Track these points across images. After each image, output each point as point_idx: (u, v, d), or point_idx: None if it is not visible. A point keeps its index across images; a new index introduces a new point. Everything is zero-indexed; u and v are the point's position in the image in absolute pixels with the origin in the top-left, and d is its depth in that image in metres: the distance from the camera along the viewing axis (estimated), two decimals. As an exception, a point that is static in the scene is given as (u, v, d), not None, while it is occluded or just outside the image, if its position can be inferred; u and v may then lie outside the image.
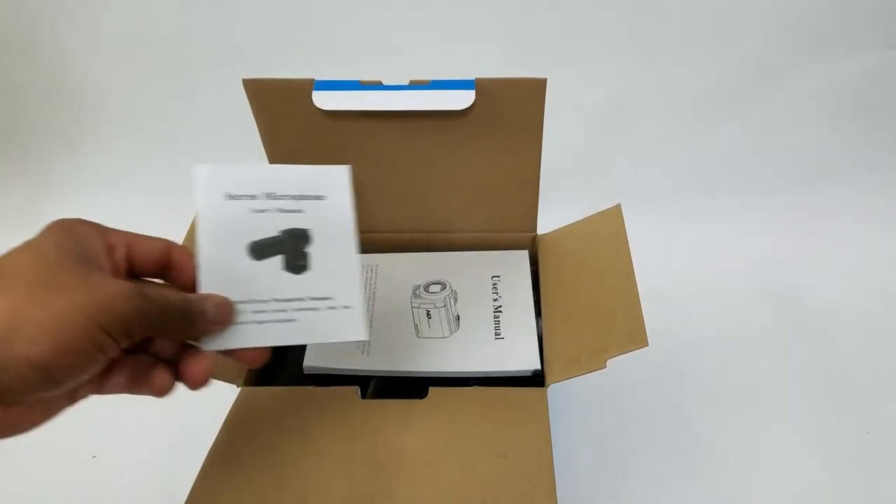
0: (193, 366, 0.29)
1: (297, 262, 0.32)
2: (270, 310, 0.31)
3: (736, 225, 0.67)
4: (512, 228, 0.46)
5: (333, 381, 0.38)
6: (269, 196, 0.33)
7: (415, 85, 0.39)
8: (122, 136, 0.72)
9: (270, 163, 0.43)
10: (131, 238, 0.28)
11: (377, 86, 0.39)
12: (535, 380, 0.39)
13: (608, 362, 0.33)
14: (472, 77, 0.39)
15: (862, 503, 0.46)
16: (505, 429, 0.34)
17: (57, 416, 0.26)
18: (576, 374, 0.35)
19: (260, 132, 0.41)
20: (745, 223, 0.68)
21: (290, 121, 0.40)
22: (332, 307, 0.32)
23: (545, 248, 0.46)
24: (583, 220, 0.44)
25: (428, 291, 0.44)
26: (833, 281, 0.62)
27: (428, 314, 0.42)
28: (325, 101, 0.39)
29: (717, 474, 0.47)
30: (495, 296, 0.44)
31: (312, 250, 0.33)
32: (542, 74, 0.38)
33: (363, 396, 0.37)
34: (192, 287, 0.30)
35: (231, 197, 0.32)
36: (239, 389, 0.37)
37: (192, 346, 0.30)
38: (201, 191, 0.32)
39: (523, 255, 0.46)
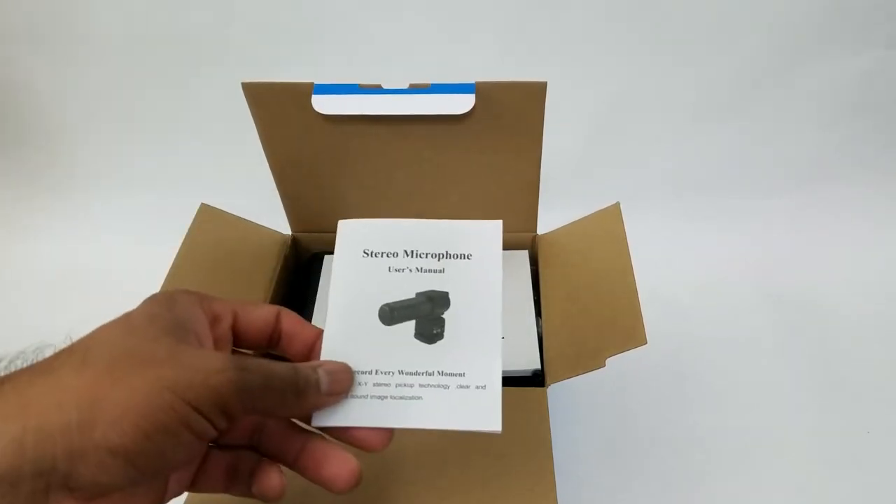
0: (333, 462, 0.25)
1: (431, 330, 0.29)
2: (394, 384, 0.27)
3: (736, 225, 0.67)
4: (512, 228, 0.46)
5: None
6: (410, 254, 0.30)
7: (414, 88, 0.39)
8: (121, 137, 0.73)
9: (271, 166, 0.43)
10: (237, 307, 0.26)
11: (377, 90, 0.39)
12: (535, 380, 0.39)
13: (608, 361, 0.33)
14: (472, 79, 0.38)
15: (862, 503, 0.46)
16: (505, 429, 0.34)
17: None
18: (576, 373, 0.35)
19: (259, 136, 0.41)
20: (745, 223, 0.68)
21: (290, 124, 0.41)
22: (463, 386, 0.28)
23: (545, 247, 0.46)
24: (582, 219, 0.44)
25: (428, 292, 0.44)
26: (833, 281, 0.62)
27: (428, 315, 0.42)
28: (324, 105, 0.39)
29: (717, 474, 0.47)
30: (495, 296, 0.44)
31: (450, 316, 0.29)
32: (542, 74, 0.38)
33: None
34: (305, 357, 0.27)
35: (368, 254, 0.30)
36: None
37: (319, 436, 0.26)
38: (340, 248, 0.30)
39: (523, 255, 0.47)
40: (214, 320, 0.25)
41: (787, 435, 0.50)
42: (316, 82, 0.39)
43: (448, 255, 0.30)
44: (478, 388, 0.27)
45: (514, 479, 0.32)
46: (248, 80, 0.39)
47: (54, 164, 0.73)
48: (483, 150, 0.41)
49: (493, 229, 0.31)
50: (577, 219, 0.44)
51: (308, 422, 0.26)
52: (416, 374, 0.28)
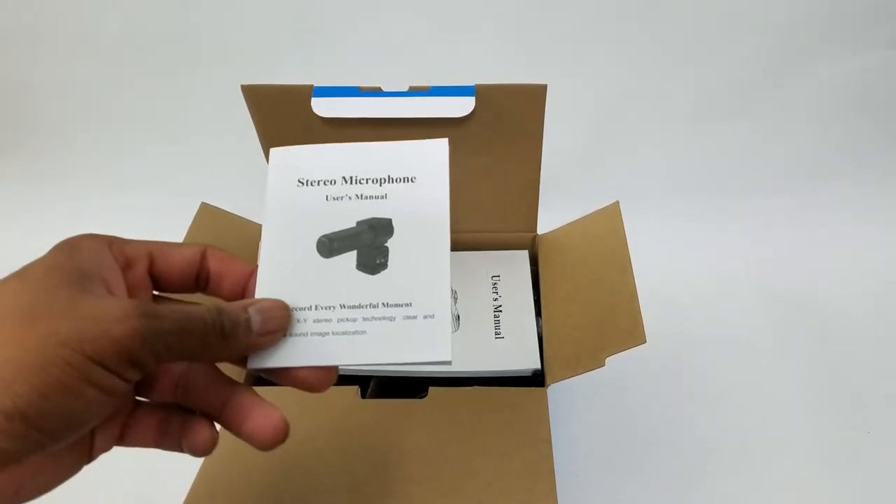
0: (256, 414, 0.23)
1: (374, 260, 0.27)
2: (335, 318, 0.26)
3: (736, 225, 0.67)
4: (512, 228, 0.46)
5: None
6: (349, 180, 0.28)
7: (414, 91, 0.39)
8: (121, 137, 0.73)
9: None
10: (154, 248, 0.24)
11: (376, 92, 0.39)
12: (535, 380, 0.39)
13: (608, 361, 0.33)
14: (472, 81, 0.38)
15: (861, 503, 0.46)
16: (505, 429, 0.34)
17: (75, 475, 0.22)
18: (576, 373, 0.35)
19: (259, 138, 0.41)
20: (745, 223, 0.68)
21: (290, 127, 0.41)
22: (410, 316, 0.26)
23: (545, 247, 0.46)
24: (581, 218, 0.44)
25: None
26: (833, 281, 0.62)
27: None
28: (323, 108, 0.39)
29: (717, 474, 0.47)
30: (495, 296, 0.44)
31: (394, 244, 0.27)
32: (542, 74, 0.38)
33: (363, 396, 0.37)
34: (239, 297, 0.25)
35: (304, 183, 0.28)
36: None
37: (245, 388, 0.24)
38: (272, 177, 0.28)
39: (523, 255, 0.47)
40: (127, 264, 0.23)
41: (787, 435, 0.50)
42: (315, 84, 0.39)
43: (390, 180, 0.28)
44: (426, 317, 0.26)
45: (514, 479, 0.32)
46: (247, 82, 0.39)
47: (53, 164, 0.73)
48: (483, 152, 0.41)
49: (437, 148, 0.29)
50: (576, 218, 0.44)
51: (244, 365, 0.25)
52: (360, 307, 0.26)
